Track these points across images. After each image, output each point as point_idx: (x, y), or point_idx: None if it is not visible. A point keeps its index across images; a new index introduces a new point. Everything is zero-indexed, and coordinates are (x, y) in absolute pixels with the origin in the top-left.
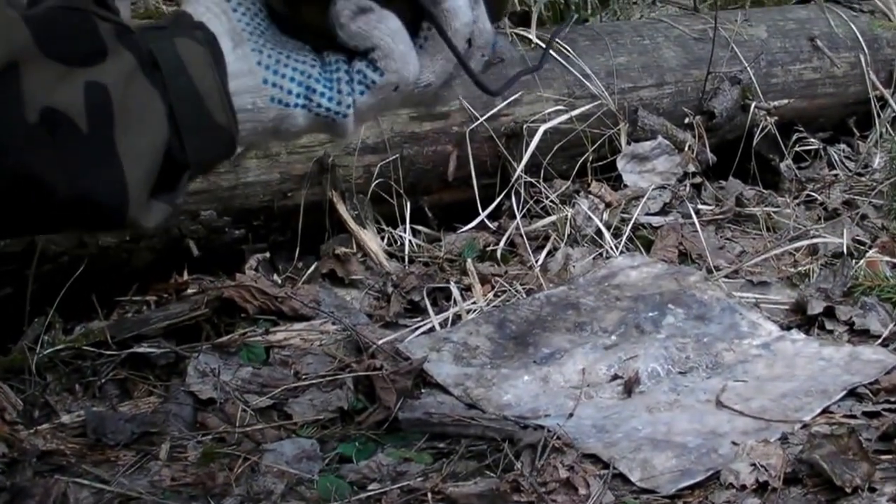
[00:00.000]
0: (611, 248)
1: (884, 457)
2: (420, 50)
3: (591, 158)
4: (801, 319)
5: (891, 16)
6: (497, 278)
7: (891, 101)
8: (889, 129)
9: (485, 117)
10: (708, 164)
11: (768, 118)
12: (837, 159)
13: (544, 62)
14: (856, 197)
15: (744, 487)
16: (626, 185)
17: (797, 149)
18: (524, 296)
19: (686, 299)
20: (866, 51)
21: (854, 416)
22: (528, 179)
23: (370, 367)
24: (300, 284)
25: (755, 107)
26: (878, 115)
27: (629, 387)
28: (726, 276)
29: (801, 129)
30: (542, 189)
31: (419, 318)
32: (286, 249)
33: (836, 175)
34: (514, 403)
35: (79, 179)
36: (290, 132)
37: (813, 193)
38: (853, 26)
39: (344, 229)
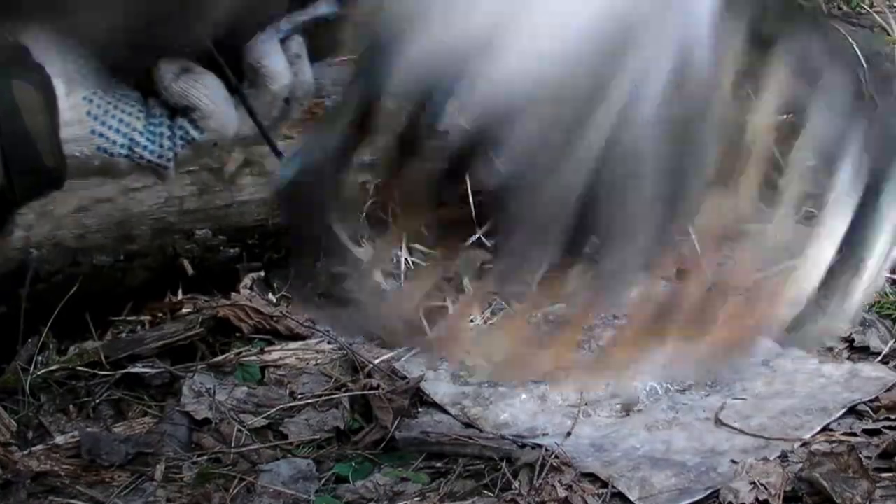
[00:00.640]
0: None
1: (884, 475)
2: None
3: None
4: None
5: (890, 31)
6: (495, 297)
7: None
8: None
9: None
10: None
11: None
12: None
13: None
14: None
15: None
16: None
17: None
18: None
19: None
20: (865, 66)
21: (854, 434)
22: None
23: (366, 387)
24: (295, 304)
25: None
26: None
27: (627, 406)
28: None
29: None
30: None
31: None
32: (281, 268)
33: None
34: (512, 422)
35: None
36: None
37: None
38: (852, 41)
39: (339, 248)
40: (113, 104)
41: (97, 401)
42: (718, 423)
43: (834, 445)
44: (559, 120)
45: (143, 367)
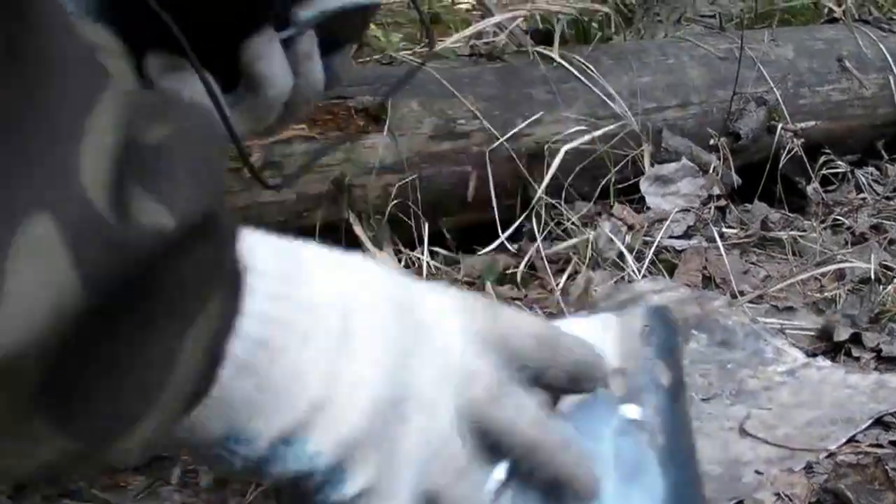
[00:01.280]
0: (633, 271)
1: None
2: (233, 108)
3: (613, 180)
4: (827, 346)
5: None
6: (517, 302)
7: None
8: None
9: (505, 137)
10: (733, 187)
11: (795, 140)
12: (865, 182)
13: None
14: (884, 221)
15: None
16: (649, 208)
17: (824, 171)
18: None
19: (710, 324)
20: (894, 69)
21: (881, 446)
22: (549, 201)
23: None
24: None
25: (782, 128)
26: None
27: None
28: (751, 302)
29: (829, 151)
30: (564, 211)
31: None
32: None
33: (864, 199)
34: None
35: None
36: None
37: (840, 217)
38: (882, 47)
39: (361, 250)
40: None
41: None
42: (743, 433)
43: (860, 457)
44: None
45: None
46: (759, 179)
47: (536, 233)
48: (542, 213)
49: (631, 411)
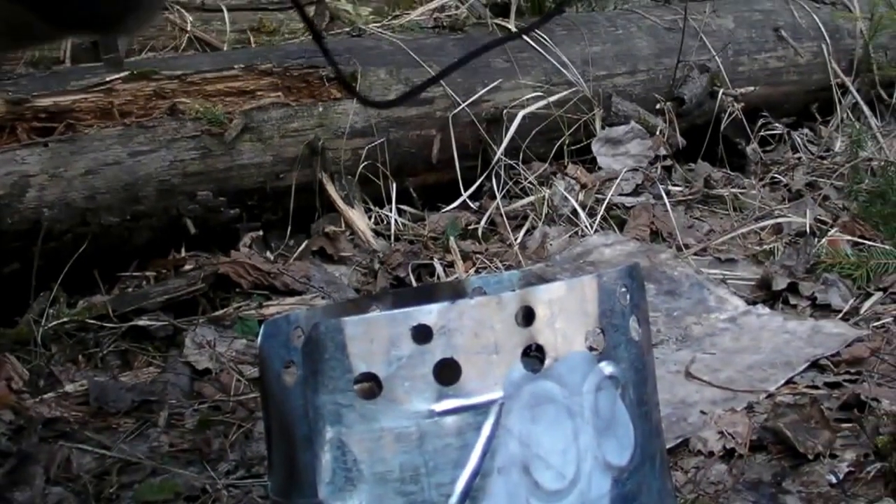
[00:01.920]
0: (586, 226)
1: (844, 425)
2: None
3: (567, 142)
4: (766, 295)
5: (851, 7)
6: (478, 255)
7: (851, 88)
8: (849, 114)
9: (467, 103)
10: (678, 148)
11: (735, 104)
12: (801, 143)
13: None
14: (818, 179)
15: (711, 454)
16: (600, 168)
17: (763, 133)
18: (503, 272)
19: (657, 275)
20: (828, 41)
21: (816, 387)
22: (508, 162)
23: None
24: (292, 261)
25: (723, 93)
26: (839, 102)
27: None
28: (695, 254)
29: (767, 114)
30: (521, 171)
31: None
32: (278, 228)
33: (799, 158)
34: None
35: None
36: None
37: (777, 175)
38: (816, 17)
39: (333, 209)
40: None
41: (104, 351)
42: (689, 376)
43: (797, 397)
44: None
45: (148, 320)
46: (703, 141)
47: (496, 191)
48: (502, 173)
49: (608, 368)
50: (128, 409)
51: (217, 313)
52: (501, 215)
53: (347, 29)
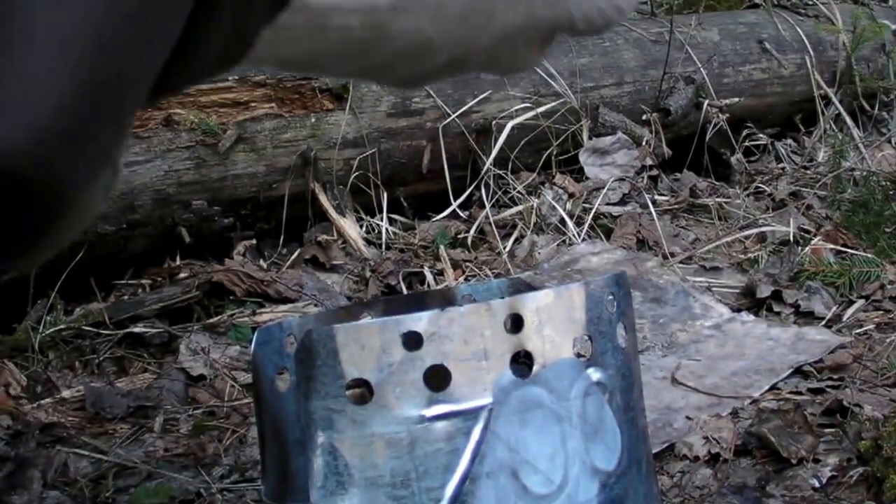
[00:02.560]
0: (573, 235)
1: (827, 430)
2: None
3: (555, 152)
4: (751, 302)
5: (834, 20)
6: (468, 263)
7: (834, 99)
8: (832, 125)
9: (456, 114)
10: (664, 158)
11: (720, 115)
12: (784, 153)
13: None
14: (801, 188)
15: (697, 458)
16: (587, 178)
17: (747, 144)
18: (493, 280)
19: (643, 283)
20: (811, 53)
21: (800, 393)
22: (497, 172)
23: None
24: (285, 269)
25: (708, 105)
26: (823, 113)
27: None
28: (681, 262)
29: (751, 125)
30: (510, 181)
31: None
32: (271, 237)
33: (783, 168)
34: None
35: None
36: None
37: (762, 185)
38: (799, 30)
39: (325, 218)
40: None
41: (101, 358)
42: (674, 382)
43: (781, 403)
44: None
45: (144, 326)
46: (688, 151)
47: (485, 200)
48: (491, 182)
49: (595, 374)
50: (124, 415)
51: (211, 320)
52: (490, 224)
53: None
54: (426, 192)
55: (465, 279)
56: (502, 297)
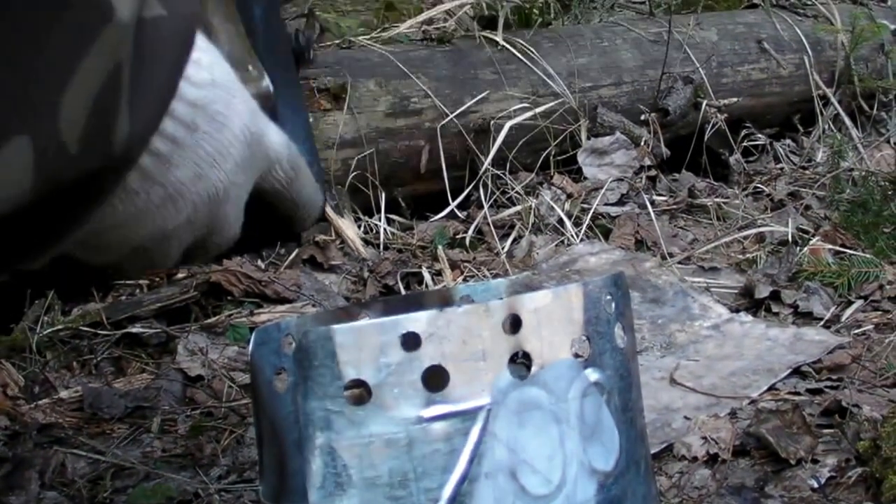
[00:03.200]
0: (572, 235)
1: (826, 431)
2: None
3: (553, 152)
4: (749, 303)
5: (833, 20)
6: (466, 264)
7: (833, 99)
8: (831, 125)
9: (455, 114)
10: (662, 158)
11: (719, 115)
12: (783, 154)
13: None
14: (800, 189)
15: (695, 459)
16: (586, 178)
17: (746, 144)
18: (491, 280)
19: (642, 284)
20: (810, 53)
21: (798, 393)
22: (495, 172)
23: None
24: (283, 269)
25: (706, 105)
26: (821, 113)
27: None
28: (679, 263)
29: (750, 125)
30: (508, 181)
31: None
32: None
33: (781, 168)
34: None
35: None
36: None
37: (760, 185)
38: (798, 30)
39: (323, 218)
40: None
41: (99, 358)
42: (673, 382)
43: (779, 403)
44: None
45: (142, 327)
46: (686, 151)
47: (483, 201)
48: (489, 182)
49: (593, 374)
50: (121, 415)
51: (209, 321)
52: (489, 224)
53: (337, 41)
54: (424, 192)
55: (464, 279)
56: (501, 298)
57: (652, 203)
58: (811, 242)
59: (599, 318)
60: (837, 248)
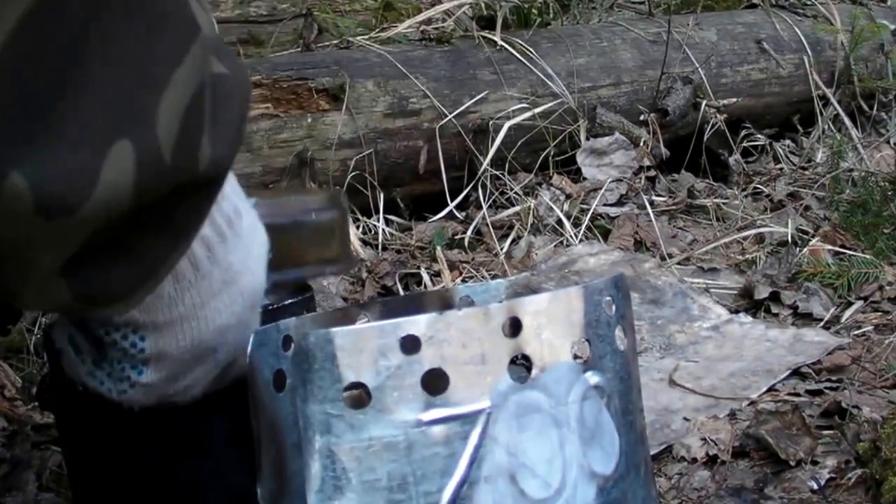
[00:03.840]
0: (571, 236)
1: (825, 432)
2: None
3: (552, 153)
4: (749, 303)
5: (832, 20)
6: (464, 265)
7: (832, 100)
8: (831, 125)
9: (453, 114)
10: (662, 159)
11: (718, 116)
12: (783, 154)
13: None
14: (800, 189)
15: (695, 460)
16: (585, 178)
17: (745, 144)
18: (490, 281)
19: (641, 284)
20: (810, 53)
21: (798, 394)
22: (494, 172)
23: None
24: None
25: (706, 105)
26: (821, 113)
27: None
28: (679, 263)
29: (749, 125)
30: (507, 181)
31: None
32: None
33: (781, 169)
34: None
35: None
36: None
37: (760, 186)
38: (797, 30)
39: None
40: None
41: None
42: (672, 383)
43: (779, 405)
44: None
45: None
46: (686, 152)
47: (482, 201)
48: (488, 183)
49: (593, 378)
50: None
51: None
52: (487, 225)
53: (335, 41)
54: (423, 192)
55: (462, 280)
56: (500, 299)
57: (651, 203)
58: (811, 243)
59: (600, 320)
60: (837, 248)
